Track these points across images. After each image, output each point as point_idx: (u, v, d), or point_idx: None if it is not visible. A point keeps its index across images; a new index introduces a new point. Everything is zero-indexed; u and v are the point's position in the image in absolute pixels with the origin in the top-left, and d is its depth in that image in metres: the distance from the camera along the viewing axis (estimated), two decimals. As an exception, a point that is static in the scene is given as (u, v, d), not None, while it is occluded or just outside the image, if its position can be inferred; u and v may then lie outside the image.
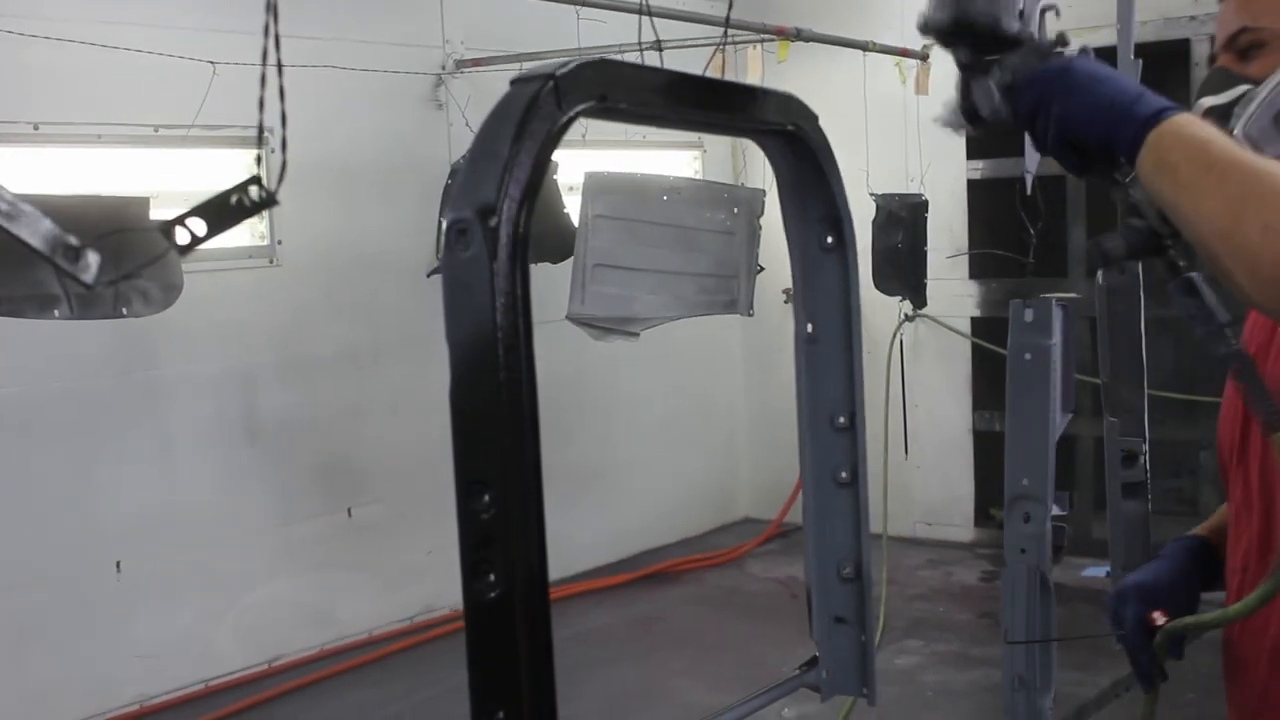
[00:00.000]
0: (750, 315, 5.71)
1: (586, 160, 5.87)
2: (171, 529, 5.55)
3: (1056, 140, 1.34)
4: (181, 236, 1.85)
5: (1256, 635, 1.70)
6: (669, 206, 5.41)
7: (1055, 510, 2.16)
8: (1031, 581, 2.16)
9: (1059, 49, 1.41)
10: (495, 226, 0.90)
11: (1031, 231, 7.18)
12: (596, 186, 5.36)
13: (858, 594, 1.48)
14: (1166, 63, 6.44)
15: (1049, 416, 2.22)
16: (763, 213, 5.57)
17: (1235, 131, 1.51)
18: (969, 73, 1.39)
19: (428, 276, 6.12)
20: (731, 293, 5.53)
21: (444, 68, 6.55)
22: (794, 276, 1.45)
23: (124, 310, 4.40)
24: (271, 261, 5.93)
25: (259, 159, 1.79)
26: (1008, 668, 2.21)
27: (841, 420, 1.45)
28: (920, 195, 7.06)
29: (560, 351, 6.22)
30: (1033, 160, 3.57)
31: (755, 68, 6.38)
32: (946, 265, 7.49)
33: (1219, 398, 1.86)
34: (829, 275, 1.43)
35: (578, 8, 5.51)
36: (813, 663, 1.50)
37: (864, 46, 6.66)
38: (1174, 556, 1.86)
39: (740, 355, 8.40)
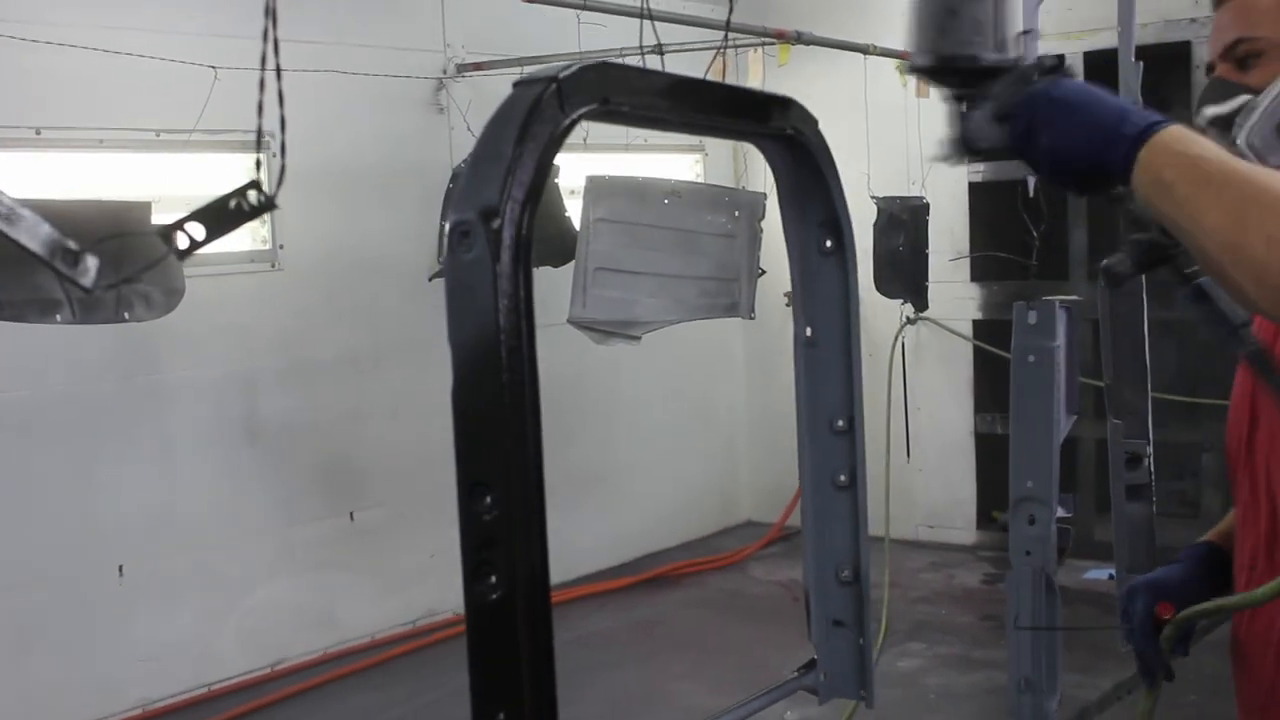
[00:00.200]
0: (752, 318, 5.71)
1: (588, 164, 5.87)
2: (173, 532, 5.55)
3: (1048, 167, 1.34)
4: (181, 241, 1.85)
5: (1262, 633, 1.71)
6: (670, 210, 5.41)
7: (1060, 512, 2.17)
8: (1037, 583, 2.16)
9: (1046, 70, 1.39)
10: (498, 228, 0.90)
11: (1035, 234, 7.18)
12: (598, 190, 5.37)
13: (856, 597, 1.48)
14: (1167, 65, 6.44)
15: (1053, 419, 2.22)
16: (764, 216, 5.57)
17: (1238, 141, 1.52)
18: (960, 105, 1.39)
19: (429, 280, 6.12)
20: (733, 296, 5.53)
21: (445, 72, 6.55)
22: (793, 280, 1.46)
23: (126, 315, 4.40)
24: (273, 266, 5.93)
25: (258, 163, 1.80)
26: (1014, 669, 2.21)
27: (840, 423, 1.45)
28: (921, 198, 7.06)
29: (562, 355, 6.21)
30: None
31: (756, 71, 6.39)
32: (948, 268, 7.49)
33: (1222, 400, 1.86)
34: (828, 279, 1.43)
35: (579, 12, 5.52)
36: (811, 665, 1.50)
37: (865, 50, 6.66)
38: (1185, 560, 1.87)
39: (742, 358, 8.40)
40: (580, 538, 7.00)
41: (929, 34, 1.36)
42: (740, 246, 5.52)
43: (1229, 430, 1.81)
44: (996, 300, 7.44)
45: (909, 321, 7.53)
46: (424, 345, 5.33)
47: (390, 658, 6.08)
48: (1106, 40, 5.03)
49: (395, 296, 6.28)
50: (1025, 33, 1.40)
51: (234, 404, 5.81)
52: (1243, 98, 1.58)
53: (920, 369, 7.69)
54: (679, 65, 5.60)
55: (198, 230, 1.85)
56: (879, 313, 7.21)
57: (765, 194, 5.60)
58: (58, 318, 4.20)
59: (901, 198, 6.99)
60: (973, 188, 7.51)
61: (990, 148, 1.38)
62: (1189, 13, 6.51)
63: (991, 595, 6.81)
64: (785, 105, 1.32)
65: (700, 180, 7.69)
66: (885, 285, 6.91)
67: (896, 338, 7.49)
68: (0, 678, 5.04)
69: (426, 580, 6.25)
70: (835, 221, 1.42)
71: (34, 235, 1.90)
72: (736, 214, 5.53)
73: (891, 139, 7.28)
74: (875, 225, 6.81)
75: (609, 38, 5.60)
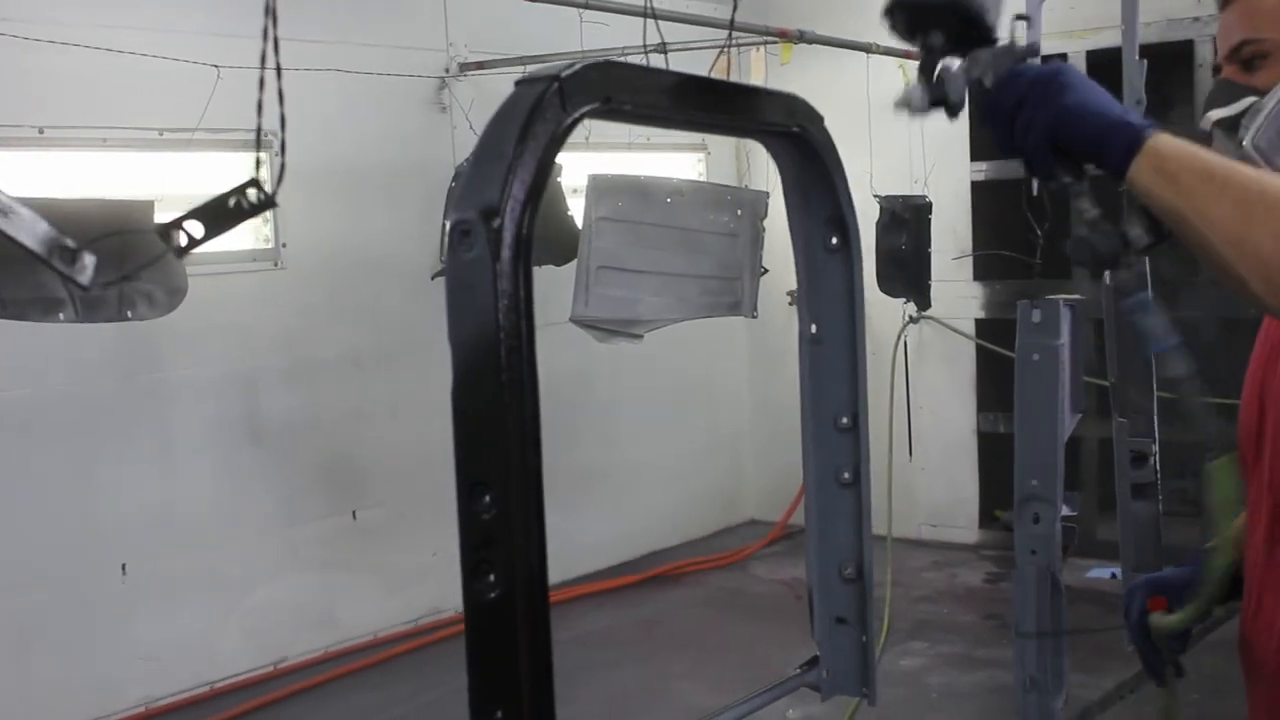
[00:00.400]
0: (754, 317, 5.70)
1: (590, 162, 5.87)
2: (176, 531, 5.55)
3: (1041, 138, 1.33)
4: (180, 239, 1.85)
5: (1266, 630, 1.71)
6: (673, 209, 5.40)
7: (1064, 511, 2.16)
8: (1042, 582, 2.16)
9: (1033, 54, 1.40)
10: (499, 227, 0.90)
11: (1038, 232, 7.17)
12: (600, 189, 5.36)
13: (859, 595, 1.48)
14: (1170, 64, 6.44)
15: (1058, 417, 2.22)
16: (766, 215, 5.56)
17: (1245, 142, 1.53)
18: (936, 59, 1.38)
19: (431, 279, 6.12)
20: (735, 295, 5.52)
21: (448, 71, 6.55)
22: (798, 277, 1.46)
23: (128, 313, 4.40)
24: (276, 264, 5.93)
25: (258, 162, 1.79)
26: (1019, 669, 2.21)
27: (845, 421, 1.45)
28: (924, 197, 7.05)
29: (564, 354, 6.21)
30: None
31: (759, 70, 6.39)
32: (951, 267, 7.49)
33: (1227, 399, 1.86)
34: (833, 276, 1.43)
35: (581, 10, 5.52)
36: (813, 663, 1.50)
37: (867, 48, 6.66)
38: (1191, 563, 1.86)
39: (745, 357, 8.39)
40: (582, 536, 7.00)
41: None
42: (743, 245, 5.52)
43: (1239, 430, 1.81)
44: (999, 299, 7.43)
45: (912, 320, 7.52)
46: (427, 344, 5.33)
47: (392, 656, 6.09)
48: (1110, 39, 5.01)
49: (398, 295, 6.28)
50: (1023, 18, 1.40)
51: (236, 403, 5.81)
52: (1248, 99, 1.58)
53: (923, 368, 7.69)
54: (682, 64, 5.60)
55: (196, 228, 1.85)
56: (882, 312, 7.20)
57: (768, 192, 5.60)
58: (60, 316, 4.20)
59: (904, 196, 6.98)
60: (976, 186, 7.50)
61: (960, 105, 1.36)
62: (1192, 11, 6.50)
63: (994, 594, 6.81)
64: (790, 102, 1.32)
65: (703, 179, 7.69)
66: (888, 284, 6.90)
67: (899, 336, 7.49)
68: (3, 677, 5.04)
69: (428, 579, 6.25)
70: (841, 219, 1.42)
71: (31, 233, 1.90)
72: (739, 212, 5.53)
73: (894, 138, 7.28)
74: (878, 224, 6.81)
75: (612, 36, 5.60)
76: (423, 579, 6.27)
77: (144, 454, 5.48)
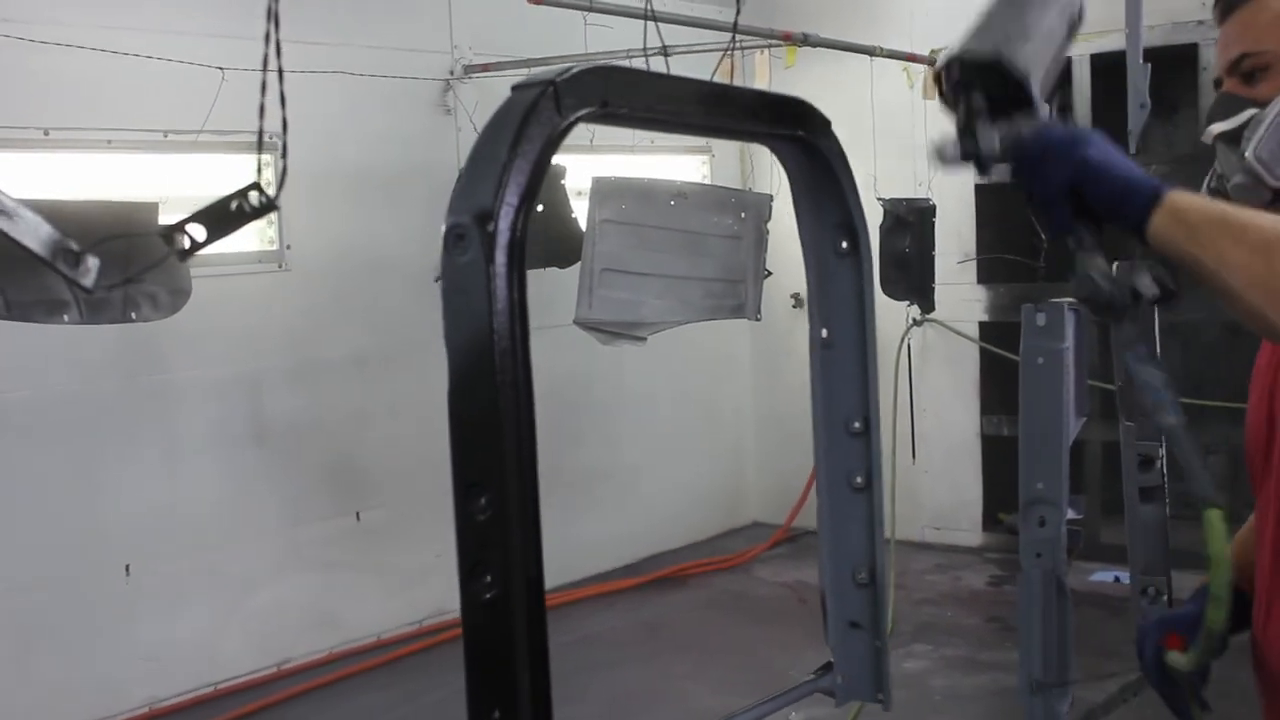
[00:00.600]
0: (758, 320, 5.71)
1: (594, 165, 5.87)
2: (180, 532, 5.56)
3: (1062, 187, 1.38)
4: (182, 242, 1.86)
5: (1277, 641, 1.70)
6: (676, 211, 5.41)
7: (1069, 514, 2.16)
8: (1048, 585, 2.16)
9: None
10: (492, 231, 0.91)
11: (1042, 236, 7.17)
12: (604, 191, 5.37)
13: (872, 599, 1.48)
14: (1174, 67, 6.43)
15: (1063, 420, 2.22)
16: (770, 217, 5.57)
17: (1247, 154, 1.54)
18: (974, 118, 1.44)
19: (435, 281, 6.11)
20: (739, 297, 5.53)
21: (452, 73, 6.56)
22: (809, 281, 1.46)
23: (133, 315, 4.41)
24: (280, 266, 5.94)
25: (260, 166, 1.80)
26: (1024, 672, 2.21)
27: (857, 425, 1.45)
28: (928, 200, 7.05)
29: (568, 356, 6.22)
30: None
31: (763, 73, 6.39)
32: (955, 270, 7.49)
33: (1229, 402, 1.87)
34: (844, 280, 1.43)
35: (585, 13, 5.52)
36: (828, 668, 1.50)
37: (871, 52, 6.66)
38: (1201, 595, 1.82)
39: (748, 359, 8.40)
40: (586, 538, 7.00)
41: (1002, 34, 1.42)
42: (746, 248, 5.53)
43: (1247, 441, 1.81)
44: (1003, 302, 7.43)
45: (915, 323, 7.52)
46: (430, 346, 5.28)
47: (396, 657, 6.09)
48: (1115, 42, 5.02)
49: (402, 297, 6.28)
50: (1065, 109, 1.45)
51: (240, 404, 5.82)
52: (1249, 112, 1.59)
53: (926, 371, 7.69)
54: (686, 67, 5.61)
55: (199, 232, 1.86)
56: (885, 315, 7.13)
57: (772, 195, 5.60)
58: (65, 318, 4.21)
59: (908, 200, 6.98)
60: (979, 190, 7.50)
61: (991, 159, 1.43)
62: (1196, 14, 6.50)
63: (998, 597, 6.81)
64: (795, 107, 1.32)
65: (707, 181, 7.70)
66: (891, 287, 6.90)
67: (903, 340, 7.49)
68: (7, 677, 5.05)
69: (432, 580, 6.25)
70: (850, 223, 1.42)
71: (35, 236, 1.91)
72: (743, 215, 5.54)
73: (898, 141, 7.28)
74: (881, 227, 6.80)
75: (616, 39, 5.60)
76: (426, 580, 6.27)
77: (148, 455, 5.49)
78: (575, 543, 6.91)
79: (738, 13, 5.25)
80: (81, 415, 5.28)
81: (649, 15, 4.73)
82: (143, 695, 5.45)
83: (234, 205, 1.89)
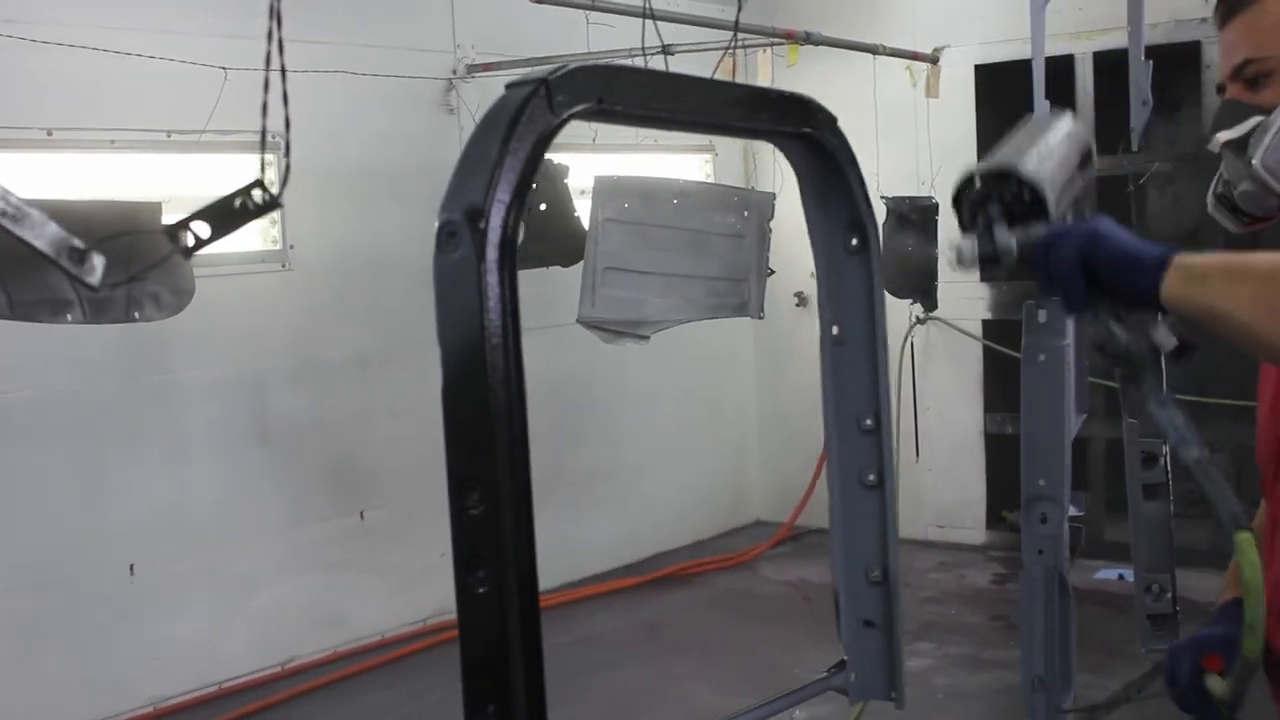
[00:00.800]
0: (761, 318, 5.71)
1: (597, 164, 5.87)
2: (184, 531, 5.57)
3: (1075, 261, 1.44)
4: (186, 240, 1.86)
5: None
6: (679, 210, 5.41)
7: (1071, 511, 2.16)
8: (1049, 582, 2.16)
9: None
10: (483, 229, 0.92)
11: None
12: (607, 190, 5.37)
13: (886, 597, 1.47)
14: (1177, 65, 6.43)
15: (1064, 417, 2.22)
16: (773, 216, 5.57)
17: (1254, 161, 1.54)
18: (990, 221, 1.52)
19: (437, 281, 6.13)
20: (742, 296, 5.53)
21: (455, 72, 6.56)
22: (818, 279, 1.46)
23: (136, 314, 4.41)
24: (283, 266, 5.94)
25: (262, 163, 1.80)
26: (1026, 669, 2.21)
27: (868, 422, 1.45)
28: (931, 198, 7.05)
29: (570, 354, 6.22)
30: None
31: (765, 71, 6.38)
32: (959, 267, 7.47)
33: (1233, 400, 1.87)
34: (854, 278, 1.44)
35: (587, 12, 5.52)
36: (841, 666, 1.50)
37: (874, 50, 6.66)
38: (1222, 620, 1.80)
39: (752, 358, 8.39)
40: (589, 537, 7.00)
41: (1016, 153, 1.54)
42: (749, 246, 5.53)
43: (1259, 448, 1.81)
44: (1005, 300, 7.43)
45: (918, 321, 7.52)
46: (433, 345, 5.31)
47: (400, 656, 6.09)
48: (1117, 40, 5.01)
49: (404, 296, 6.28)
50: (1080, 210, 1.63)
51: (243, 404, 5.83)
52: (1255, 119, 1.59)
53: (930, 369, 7.68)
54: (688, 66, 5.60)
55: (203, 229, 1.86)
56: (888, 313, 7.10)
57: (774, 194, 5.60)
58: (69, 317, 4.21)
59: (911, 198, 6.98)
60: (982, 188, 7.49)
61: (1008, 261, 1.53)
62: (1199, 12, 6.49)
63: (1001, 595, 6.80)
64: (802, 104, 1.32)
65: (710, 180, 7.69)
66: (894, 285, 6.89)
67: (906, 338, 7.48)
68: (12, 677, 5.06)
69: (435, 579, 6.25)
70: (859, 220, 1.42)
71: (40, 234, 1.91)
72: (745, 214, 5.54)
73: (900, 139, 7.28)
74: (884, 225, 6.80)
75: (618, 38, 5.60)
76: (430, 579, 6.27)
77: (150, 455, 5.49)
78: (577, 542, 6.91)
79: (739, 11, 5.25)
80: (84, 415, 5.29)
81: (648, 14, 4.73)
82: (147, 694, 5.46)
83: (237, 203, 1.89)
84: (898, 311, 7.30)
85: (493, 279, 0.92)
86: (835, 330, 1.45)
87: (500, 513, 0.91)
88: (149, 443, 5.49)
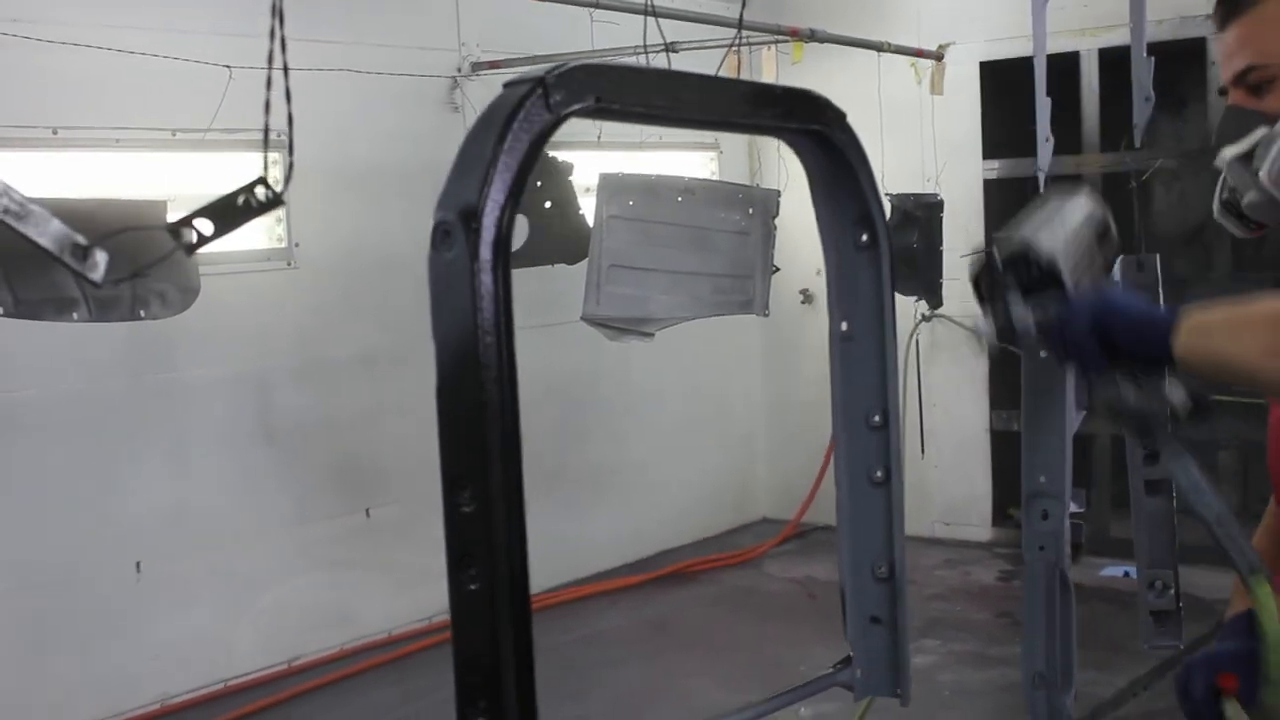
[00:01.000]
0: (766, 315, 5.71)
1: (601, 161, 5.87)
2: (190, 529, 5.58)
3: (1089, 331, 1.52)
4: (189, 236, 1.87)
5: None
6: (684, 207, 5.41)
7: (1072, 508, 2.16)
8: (1050, 578, 2.16)
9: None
10: (477, 228, 0.92)
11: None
12: (611, 187, 5.37)
13: (892, 594, 1.47)
14: (1182, 61, 6.42)
15: (1065, 413, 2.22)
16: (778, 213, 5.57)
17: (1261, 174, 1.53)
18: (1008, 296, 1.60)
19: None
20: (747, 293, 5.53)
21: (460, 70, 6.56)
22: (828, 275, 1.46)
23: (141, 313, 4.42)
24: (289, 264, 5.95)
25: (266, 161, 1.81)
26: (1026, 665, 2.21)
27: (876, 419, 1.45)
28: (936, 195, 7.05)
29: (575, 352, 6.22)
30: (1045, 159, 3.58)
31: (770, 69, 6.39)
32: (963, 265, 7.46)
33: (1237, 398, 1.87)
34: (864, 274, 1.44)
35: (591, 10, 5.53)
36: (846, 662, 1.50)
37: (878, 47, 6.66)
38: (1232, 634, 1.77)
39: (757, 355, 8.39)
40: (594, 534, 7.01)
41: (1031, 231, 1.62)
42: (754, 243, 5.53)
43: (1270, 456, 1.80)
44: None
45: (924, 319, 7.51)
46: (438, 343, 5.33)
47: (406, 654, 6.10)
48: (1122, 37, 5.00)
49: (410, 295, 6.23)
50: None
51: (249, 402, 5.83)
52: (1260, 131, 1.58)
53: (935, 366, 7.68)
54: (692, 63, 5.60)
55: (206, 226, 1.87)
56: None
57: (779, 190, 5.60)
58: (74, 315, 4.23)
59: (916, 195, 6.98)
60: (988, 184, 7.49)
61: (1028, 340, 1.61)
62: (1204, 9, 6.46)
63: (1007, 592, 6.80)
64: (810, 100, 1.31)
65: (715, 177, 7.69)
66: (900, 283, 6.83)
67: (911, 335, 7.48)
68: (19, 675, 5.07)
69: (441, 577, 6.13)
70: (869, 216, 1.42)
71: (44, 231, 1.92)
72: (750, 211, 5.54)
73: (905, 136, 7.27)
74: (889, 222, 6.78)
75: (622, 35, 5.60)
76: (435, 577, 6.15)
77: (157, 453, 5.50)
78: (582, 539, 6.91)
79: (743, 7, 5.25)
80: (90, 414, 5.30)
81: (650, 11, 4.73)
82: (154, 692, 5.47)
83: (241, 200, 1.90)
84: (903, 308, 7.29)
85: (486, 279, 0.92)
86: (844, 326, 1.45)
87: (492, 511, 0.91)
88: (155, 441, 5.50)
